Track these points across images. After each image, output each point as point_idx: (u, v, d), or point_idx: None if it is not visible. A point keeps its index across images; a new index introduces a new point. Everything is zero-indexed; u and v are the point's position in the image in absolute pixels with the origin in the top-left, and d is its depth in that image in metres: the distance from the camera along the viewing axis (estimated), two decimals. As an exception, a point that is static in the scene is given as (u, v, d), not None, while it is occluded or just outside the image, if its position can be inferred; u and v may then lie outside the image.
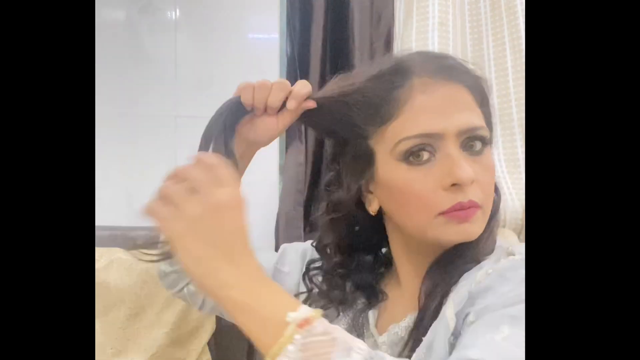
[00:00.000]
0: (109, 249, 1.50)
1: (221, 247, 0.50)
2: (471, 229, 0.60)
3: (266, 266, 0.78)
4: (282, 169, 1.66)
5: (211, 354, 1.47)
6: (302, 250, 0.79)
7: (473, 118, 0.61)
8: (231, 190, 0.51)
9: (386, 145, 0.62)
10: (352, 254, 0.71)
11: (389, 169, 0.62)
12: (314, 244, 0.74)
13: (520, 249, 0.59)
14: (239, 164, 0.67)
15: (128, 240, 1.56)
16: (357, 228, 0.70)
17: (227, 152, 0.65)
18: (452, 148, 0.60)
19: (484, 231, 0.62)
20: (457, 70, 0.64)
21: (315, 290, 0.73)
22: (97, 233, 1.46)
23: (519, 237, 1.36)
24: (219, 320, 1.47)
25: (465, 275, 0.59)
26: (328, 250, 0.72)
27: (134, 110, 1.72)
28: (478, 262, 0.61)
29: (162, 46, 1.71)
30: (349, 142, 0.66)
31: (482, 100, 0.65)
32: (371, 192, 0.65)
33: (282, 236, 1.57)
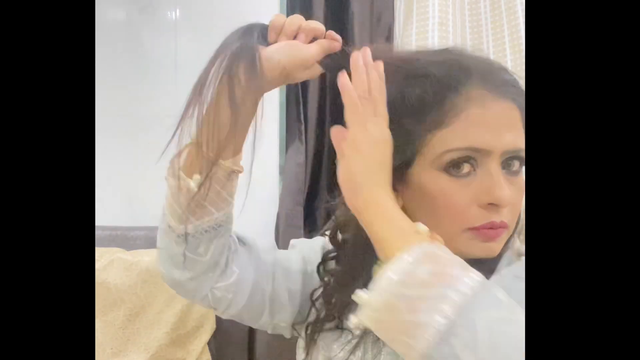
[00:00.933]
0: (109, 249, 1.50)
1: (375, 169, 0.58)
2: (495, 248, 0.61)
3: (294, 258, 0.75)
4: (282, 169, 1.66)
5: (211, 354, 1.47)
6: (318, 245, 0.77)
7: (519, 139, 0.61)
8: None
9: (430, 152, 0.61)
10: (369, 246, 0.67)
11: (427, 176, 0.61)
12: (329, 237, 0.73)
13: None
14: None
15: (128, 240, 1.56)
16: None
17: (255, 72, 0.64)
18: (494, 166, 0.59)
19: (503, 247, 0.63)
20: (513, 87, 0.63)
21: (332, 280, 0.71)
22: (97, 233, 1.48)
23: (519, 237, 1.36)
24: (219, 320, 1.47)
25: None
26: (345, 244, 0.71)
27: (134, 110, 1.72)
28: (492, 272, 0.62)
29: (162, 46, 1.71)
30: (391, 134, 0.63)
31: (524, 118, 0.64)
32: (396, 190, 0.62)
33: (282, 236, 1.57)
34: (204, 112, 0.67)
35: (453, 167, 0.60)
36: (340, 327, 0.69)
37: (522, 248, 0.62)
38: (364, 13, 1.60)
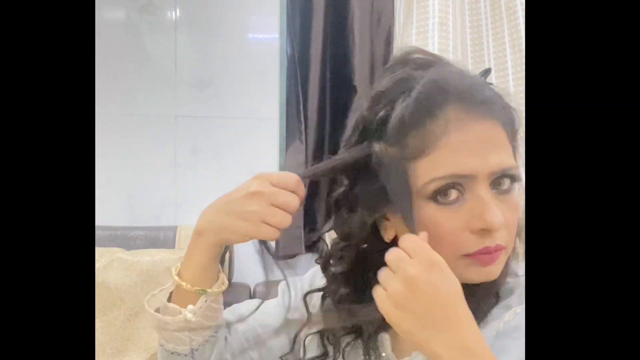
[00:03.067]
0: (109, 249, 1.50)
1: (435, 312, 0.51)
2: (494, 271, 0.59)
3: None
4: (282, 169, 1.66)
5: (211, 354, 1.47)
6: (306, 281, 0.76)
7: (506, 158, 0.59)
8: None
9: (415, 182, 0.59)
10: (362, 281, 0.66)
11: (415, 206, 0.59)
12: (321, 267, 0.70)
13: None
14: None
15: (128, 240, 1.56)
16: (367, 254, 0.65)
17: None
18: (482, 190, 0.58)
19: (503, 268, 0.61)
20: (493, 105, 0.60)
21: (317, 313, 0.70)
22: (97, 233, 1.48)
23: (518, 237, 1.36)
24: (218, 320, 1.47)
25: (494, 313, 0.59)
26: (336, 278, 0.68)
27: (134, 110, 1.72)
28: (496, 294, 0.61)
29: (162, 46, 1.71)
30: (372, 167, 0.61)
31: (513, 134, 0.62)
32: (388, 220, 0.62)
33: (281, 236, 1.57)
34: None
35: (440, 194, 0.58)
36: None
37: (519, 270, 0.61)
38: (364, 13, 1.60)
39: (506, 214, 0.58)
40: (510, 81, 1.42)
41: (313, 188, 1.62)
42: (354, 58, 1.63)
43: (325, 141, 1.67)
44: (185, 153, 1.70)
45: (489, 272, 0.59)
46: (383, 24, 1.63)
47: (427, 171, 0.58)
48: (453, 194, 0.58)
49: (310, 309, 0.70)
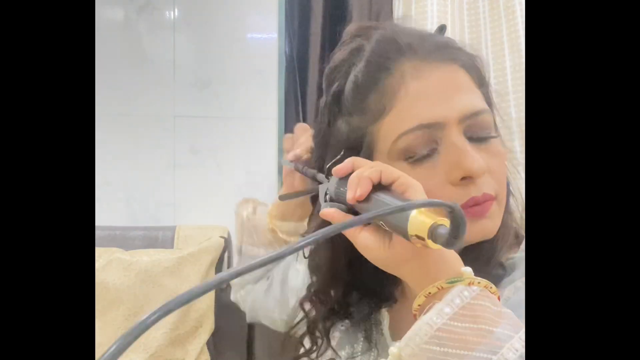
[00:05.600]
0: (108, 249, 1.50)
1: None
2: (489, 225, 0.54)
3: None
4: (281, 169, 1.65)
5: (210, 354, 1.47)
6: None
7: (474, 100, 0.54)
8: None
9: (382, 144, 0.55)
10: (352, 267, 0.63)
11: None
12: (308, 261, 0.66)
13: None
14: None
15: (126, 240, 1.56)
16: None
17: None
18: (456, 136, 0.53)
19: (501, 226, 0.56)
20: (450, 48, 0.56)
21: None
22: (96, 233, 1.47)
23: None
24: (217, 320, 1.47)
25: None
26: (323, 272, 0.64)
27: (132, 110, 1.71)
28: (501, 263, 0.56)
29: (161, 46, 1.71)
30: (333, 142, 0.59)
31: (480, 80, 0.57)
32: None
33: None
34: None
35: (410, 152, 0.53)
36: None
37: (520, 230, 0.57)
38: (362, 13, 1.60)
39: (488, 162, 0.54)
40: (509, 81, 1.42)
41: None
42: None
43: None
44: (183, 153, 1.70)
45: (484, 228, 0.54)
46: (382, 24, 1.63)
47: (392, 129, 0.54)
48: (426, 148, 0.53)
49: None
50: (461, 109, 0.53)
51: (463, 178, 0.53)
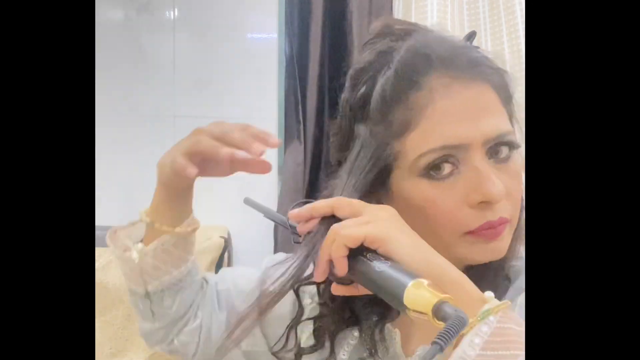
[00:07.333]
0: (108, 249, 1.50)
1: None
2: (500, 246, 0.54)
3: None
4: (281, 169, 1.66)
5: (210, 354, 1.47)
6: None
7: (500, 123, 0.54)
8: None
9: (404, 159, 0.54)
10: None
11: (407, 185, 0.55)
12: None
13: None
14: None
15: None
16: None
17: None
18: (478, 159, 0.53)
19: (511, 243, 0.56)
20: (481, 66, 0.56)
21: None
22: (96, 233, 1.47)
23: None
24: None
25: (507, 297, 0.55)
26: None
27: (132, 110, 1.72)
28: (507, 273, 0.57)
29: (161, 46, 1.71)
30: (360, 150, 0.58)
31: (507, 98, 0.57)
32: (382, 203, 0.57)
33: (281, 236, 1.57)
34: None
35: (432, 170, 0.53)
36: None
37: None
38: (362, 13, 1.60)
39: (507, 184, 0.54)
40: (509, 81, 1.43)
41: (312, 188, 1.62)
42: (352, 58, 1.63)
43: (324, 141, 1.67)
44: (183, 153, 1.69)
45: (495, 249, 0.54)
46: (381, 24, 1.63)
47: (416, 146, 0.53)
48: (446, 167, 0.53)
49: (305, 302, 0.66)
50: (486, 131, 0.53)
51: (481, 202, 0.53)
